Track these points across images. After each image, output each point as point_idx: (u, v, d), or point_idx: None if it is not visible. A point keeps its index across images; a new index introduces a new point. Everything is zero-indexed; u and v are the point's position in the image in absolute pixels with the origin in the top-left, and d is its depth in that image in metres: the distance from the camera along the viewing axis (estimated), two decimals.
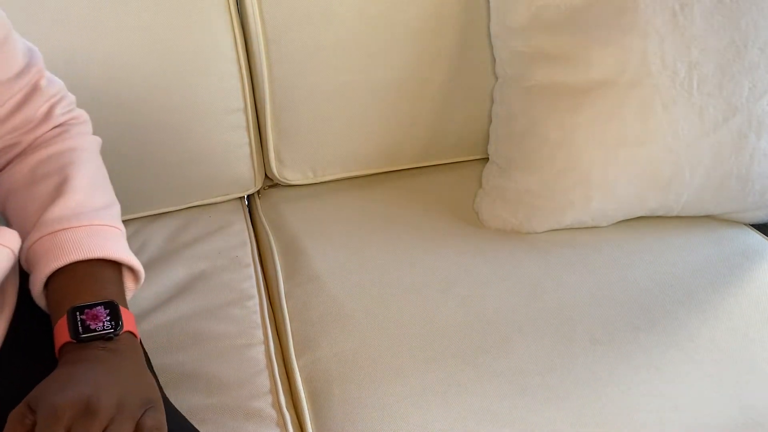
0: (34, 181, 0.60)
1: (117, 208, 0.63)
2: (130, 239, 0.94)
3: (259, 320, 0.83)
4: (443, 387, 0.72)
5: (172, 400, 0.64)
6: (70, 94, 0.67)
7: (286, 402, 0.73)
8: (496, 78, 1.00)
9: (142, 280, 0.61)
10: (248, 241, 0.96)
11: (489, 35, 0.98)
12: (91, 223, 0.58)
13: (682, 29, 0.86)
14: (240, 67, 0.92)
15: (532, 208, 0.94)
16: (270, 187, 1.08)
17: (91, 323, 0.53)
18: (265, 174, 1.06)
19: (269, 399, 0.73)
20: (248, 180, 1.03)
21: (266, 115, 0.97)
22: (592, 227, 0.96)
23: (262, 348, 0.79)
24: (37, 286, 0.56)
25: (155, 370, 0.67)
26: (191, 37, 0.87)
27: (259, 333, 0.81)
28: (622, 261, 0.90)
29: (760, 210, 0.96)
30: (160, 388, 0.60)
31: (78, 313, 0.53)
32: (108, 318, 0.53)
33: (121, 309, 0.55)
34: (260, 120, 0.99)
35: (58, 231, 0.56)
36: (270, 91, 0.95)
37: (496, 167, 0.99)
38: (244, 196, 1.07)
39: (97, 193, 0.61)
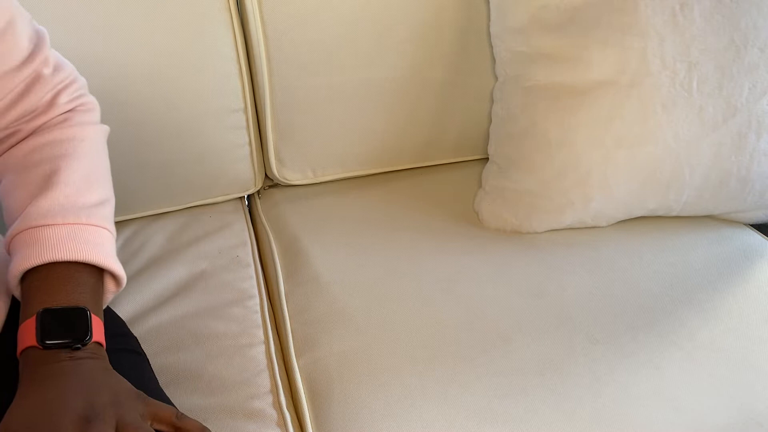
0: (26, 166, 0.57)
1: (111, 206, 0.60)
2: (130, 239, 0.95)
3: (259, 320, 0.83)
4: (443, 387, 0.72)
5: (173, 399, 0.64)
6: (81, 78, 0.64)
7: (287, 402, 0.73)
8: (496, 78, 1.00)
9: (124, 284, 0.59)
10: (248, 240, 0.96)
11: (489, 35, 0.98)
12: (78, 222, 0.55)
13: (682, 29, 0.86)
14: (240, 67, 0.92)
15: (532, 208, 0.94)
16: (270, 187, 1.08)
17: (59, 330, 0.50)
18: (265, 174, 1.06)
19: (269, 399, 0.73)
20: (248, 180, 1.03)
21: (266, 115, 0.97)
22: (592, 227, 0.96)
23: (262, 348, 0.79)
24: (12, 281, 0.54)
25: (155, 370, 0.67)
26: (191, 37, 0.87)
27: (260, 333, 0.81)
28: (621, 261, 0.90)
29: (760, 210, 0.96)
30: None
31: (47, 317, 0.51)
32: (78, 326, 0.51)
33: (93, 317, 0.52)
34: (260, 120, 0.99)
35: (41, 226, 0.54)
36: (270, 91, 0.95)
37: (496, 167, 0.99)
38: (244, 196, 1.07)
39: (91, 187, 0.58)
